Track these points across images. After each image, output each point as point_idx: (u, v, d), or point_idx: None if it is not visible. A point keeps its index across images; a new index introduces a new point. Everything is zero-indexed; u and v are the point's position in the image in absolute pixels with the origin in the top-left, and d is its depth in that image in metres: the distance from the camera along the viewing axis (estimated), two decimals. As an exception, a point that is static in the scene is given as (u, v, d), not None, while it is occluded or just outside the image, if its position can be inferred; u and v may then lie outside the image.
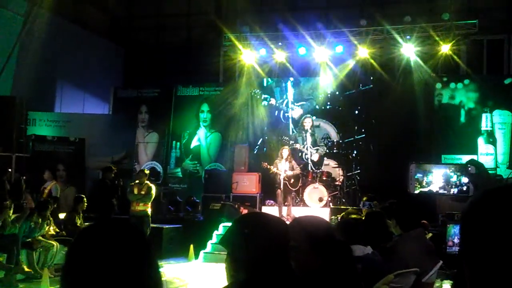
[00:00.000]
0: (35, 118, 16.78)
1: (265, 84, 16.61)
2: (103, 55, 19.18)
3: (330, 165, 14.25)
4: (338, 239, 2.00)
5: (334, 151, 14.41)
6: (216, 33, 17.18)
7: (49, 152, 15.40)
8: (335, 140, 15.00)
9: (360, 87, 15.71)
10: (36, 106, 16.46)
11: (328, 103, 15.99)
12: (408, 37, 14.89)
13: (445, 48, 14.74)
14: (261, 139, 16.24)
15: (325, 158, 14.19)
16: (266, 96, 16.46)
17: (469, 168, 4.98)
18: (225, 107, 16.72)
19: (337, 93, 15.92)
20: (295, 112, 16.10)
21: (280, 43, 15.97)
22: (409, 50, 15.04)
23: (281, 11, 17.50)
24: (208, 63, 17.73)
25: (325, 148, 14.03)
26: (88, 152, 16.24)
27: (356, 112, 15.80)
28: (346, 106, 15.87)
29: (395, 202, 5.44)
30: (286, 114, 16.19)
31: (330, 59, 15.72)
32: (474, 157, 14.45)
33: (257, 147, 16.16)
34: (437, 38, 14.70)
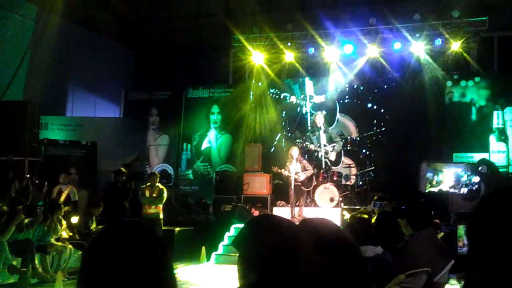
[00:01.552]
0: (47, 122, 16.90)
1: (280, 84, 16.55)
2: (114, 58, 19.28)
3: (344, 162, 13.99)
4: (347, 241, 2.00)
5: (348, 148, 14.37)
6: (225, 34, 17.18)
7: (61, 156, 15.50)
8: (349, 137, 14.97)
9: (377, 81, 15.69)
10: (48, 110, 16.57)
11: (346, 96, 15.94)
12: (417, 35, 14.84)
13: (455, 46, 14.66)
14: (277, 138, 16.12)
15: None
16: (286, 94, 16.41)
17: (480, 168, 4.97)
18: (235, 109, 16.73)
19: (355, 86, 15.86)
20: (317, 99, 15.99)
21: (289, 43, 15.97)
22: (419, 48, 14.98)
23: (290, 11, 17.48)
24: (217, 64, 17.75)
25: (341, 143, 13.62)
26: (100, 155, 16.32)
27: (375, 106, 15.76)
28: (364, 100, 15.81)
29: (397, 205, 5.43)
30: (306, 109, 16.08)
31: (339, 59, 15.71)
32: (486, 155, 14.37)
33: (274, 145, 16.03)
34: (447, 36, 14.63)
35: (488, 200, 1.30)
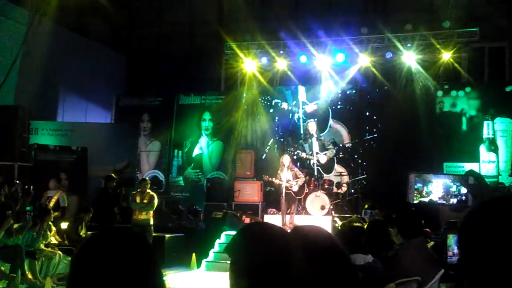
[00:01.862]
0: (37, 127, 16.80)
1: (272, 90, 16.56)
2: (105, 64, 19.23)
3: (336, 170, 13.96)
4: (338, 248, 2.00)
5: (340, 155, 14.39)
6: (217, 42, 17.22)
7: (51, 161, 15.41)
8: (341, 144, 15.00)
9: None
10: (38, 115, 16.49)
11: (339, 102, 15.98)
12: (409, 45, 14.94)
13: (446, 56, 14.77)
14: (269, 144, 16.10)
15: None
16: (277, 100, 16.42)
17: (468, 179, 5.00)
18: (227, 116, 16.74)
19: (347, 92, 15.90)
20: (309, 107, 15.99)
21: (281, 51, 16.03)
22: (410, 58, 15.08)
23: (282, 19, 17.54)
24: (209, 71, 17.78)
25: (334, 151, 13.56)
26: (91, 161, 16.25)
27: (367, 113, 15.82)
28: (356, 106, 15.87)
29: (388, 214, 5.44)
30: (298, 115, 16.09)
31: (331, 67, 15.77)
32: (476, 165, 14.46)
33: (266, 152, 15.99)
34: (438, 46, 14.75)
35: (479, 210, 1.31)
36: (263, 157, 15.99)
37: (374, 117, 15.67)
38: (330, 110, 15.90)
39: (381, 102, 15.56)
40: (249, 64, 16.24)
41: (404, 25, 14.97)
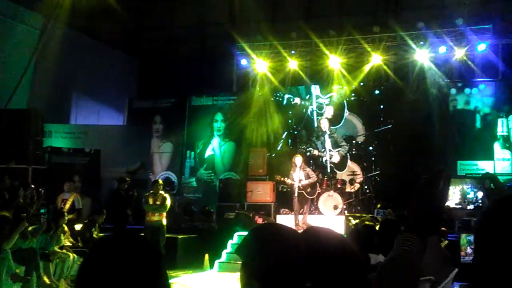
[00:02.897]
0: (51, 130, 16.95)
1: (284, 90, 16.49)
2: (118, 67, 19.35)
3: (348, 167, 13.80)
4: (350, 251, 1.98)
5: (353, 152, 14.32)
6: (229, 42, 17.24)
7: (65, 163, 15.53)
8: (354, 142, 14.91)
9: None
10: (52, 118, 16.63)
11: (353, 94, 15.87)
12: (421, 43, 14.84)
13: (459, 54, 14.66)
14: (282, 140, 16.01)
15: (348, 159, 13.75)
16: (289, 96, 16.37)
17: (485, 182, 4.97)
18: (239, 116, 16.74)
19: (361, 84, 15.78)
20: (323, 101, 15.88)
21: (293, 51, 16.00)
22: (423, 56, 14.98)
23: (294, 19, 17.53)
24: (221, 72, 17.79)
25: (347, 147, 13.43)
26: (104, 163, 16.34)
27: (381, 106, 15.74)
28: (371, 98, 15.77)
29: (402, 213, 5.40)
30: (312, 108, 15.97)
31: (344, 66, 15.71)
32: (490, 163, 14.34)
33: (278, 150, 15.89)
34: (451, 43, 14.64)
35: (495, 209, 1.29)
36: (276, 153, 15.84)
37: (388, 109, 15.53)
38: (345, 103, 15.81)
39: (394, 100, 15.48)
40: (260, 65, 16.24)
41: (416, 23, 14.87)
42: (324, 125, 13.28)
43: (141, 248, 1.49)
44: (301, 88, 16.47)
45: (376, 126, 15.42)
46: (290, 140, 16.00)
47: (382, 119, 15.52)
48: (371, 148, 15.31)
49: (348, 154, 13.52)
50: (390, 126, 15.23)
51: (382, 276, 1.61)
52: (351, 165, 13.98)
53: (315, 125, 14.89)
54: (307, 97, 16.20)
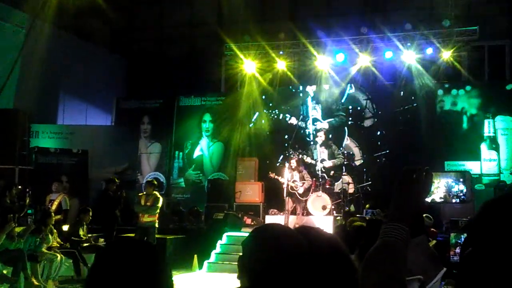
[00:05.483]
0: (38, 130, 16.83)
1: (273, 91, 16.47)
2: (105, 67, 19.25)
3: (343, 179, 13.84)
4: (340, 249, 1.99)
5: (345, 162, 14.33)
6: (217, 43, 17.21)
7: (52, 164, 15.43)
8: (352, 163, 14.67)
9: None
10: (39, 118, 16.51)
11: (350, 118, 15.88)
12: (408, 44, 14.93)
13: (446, 55, 14.76)
14: (282, 155, 15.72)
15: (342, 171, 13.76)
16: (287, 115, 16.32)
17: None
18: (228, 117, 16.72)
19: (358, 108, 15.79)
20: (321, 125, 15.76)
21: (281, 52, 16.02)
22: (410, 57, 15.07)
23: (282, 20, 17.55)
24: (209, 73, 17.76)
25: (342, 159, 13.54)
26: (91, 164, 16.25)
27: (378, 133, 15.69)
28: (364, 120, 15.77)
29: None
30: (309, 131, 15.94)
31: (331, 67, 15.76)
32: (477, 163, 14.48)
33: (278, 163, 15.46)
34: (438, 45, 14.74)
35: (493, 205, 1.31)
36: (267, 162, 15.71)
37: (384, 132, 15.54)
38: (346, 129, 15.75)
39: (381, 101, 15.56)
40: (249, 65, 16.24)
41: (403, 24, 14.95)
42: (320, 137, 13.50)
43: (146, 252, 1.55)
44: (302, 108, 16.26)
45: (373, 151, 15.41)
46: (281, 157, 15.66)
47: (379, 143, 15.46)
48: (366, 168, 15.25)
49: (343, 166, 13.58)
50: (387, 151, 15.23)
51: (368, 265, 1.63)
52: (346, 178, 14.00)
53: (311, 142, 15.00)
54: (302, 116, 16.10)
